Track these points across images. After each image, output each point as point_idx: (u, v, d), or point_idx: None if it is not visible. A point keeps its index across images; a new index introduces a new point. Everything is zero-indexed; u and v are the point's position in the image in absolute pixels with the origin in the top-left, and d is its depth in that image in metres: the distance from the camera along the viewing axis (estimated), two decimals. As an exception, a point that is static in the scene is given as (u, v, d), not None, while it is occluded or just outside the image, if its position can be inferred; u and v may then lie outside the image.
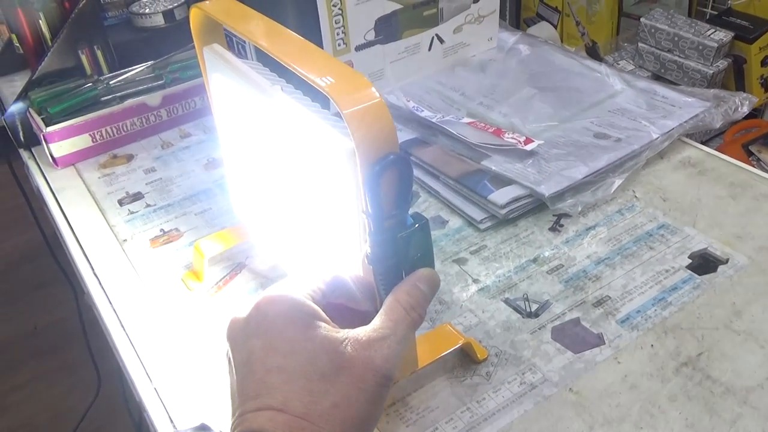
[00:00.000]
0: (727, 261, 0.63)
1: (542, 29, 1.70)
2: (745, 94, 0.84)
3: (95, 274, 0.69)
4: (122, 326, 0.63)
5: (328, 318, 0.41)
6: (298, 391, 0.38)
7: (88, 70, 0.93)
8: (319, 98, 0.45)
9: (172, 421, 0.54)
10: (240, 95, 0.53)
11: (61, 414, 1.61)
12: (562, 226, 0.69)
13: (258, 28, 0.48)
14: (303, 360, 0.38)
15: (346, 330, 0.41)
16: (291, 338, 0.39)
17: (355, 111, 0.38)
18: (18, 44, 1.00)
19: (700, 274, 0.62)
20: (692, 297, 0.60)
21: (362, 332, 0.41)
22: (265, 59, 0.50)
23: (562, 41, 1.72)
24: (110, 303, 0.65)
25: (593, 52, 1.62)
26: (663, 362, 0.54)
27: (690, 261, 0.64)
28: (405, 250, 0.43)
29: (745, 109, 0.82)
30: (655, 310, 0.59)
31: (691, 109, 0.81)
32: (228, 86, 0.55)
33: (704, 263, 0.63)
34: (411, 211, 0.43)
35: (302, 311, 0.41)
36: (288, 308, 0.41)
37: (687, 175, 0.75)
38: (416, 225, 0.43)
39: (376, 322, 0.42)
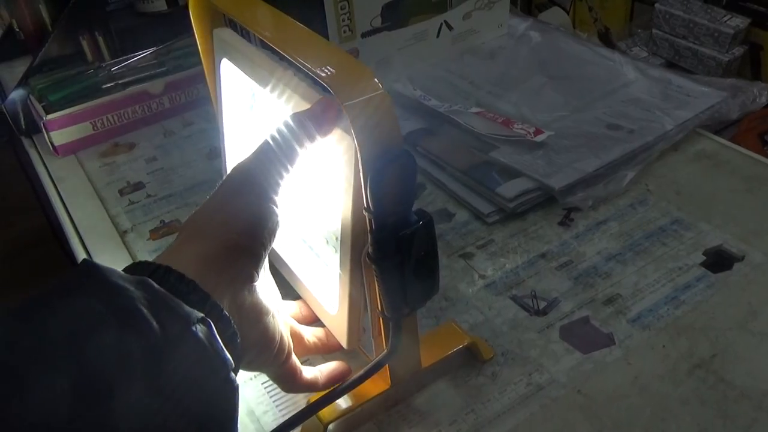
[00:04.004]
0: (743, 258, 0.61)
1: (554, 15, 1.67)
2: (763, 84, 0.81)
3: (94, 266, 0.68)
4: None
5: None
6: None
7: (90, 57, 0.91)
8: None
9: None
10: (250, 82, 0.51)
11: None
12: (572, 220, 0.68)
13: (258, 15, 0.46)
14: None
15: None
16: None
17: (356, 103, 0.36)
18: (18, 29, 0.98)
19: (714, 272, 0.60)
20: (706, 296, 0.58)
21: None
22: (265, 46, 0.48)
23: (574, 27, 1.69)
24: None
25: (606, 39, 1.58)
26: (675, 364, 0.53)
27: (704, 258, 0.62)
28: (408, 249, 0.41)
29: (764, 100, 0.79)
30: (668, 309, 0.57)
31: (707, 99, 0.78)
32: (237, 72, 0.53)
33: (719, 260, 0.61)
34: (415, 207, 0.41)
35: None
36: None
37: (702, 167, 0.73)
38: (420, 222, 0.41)
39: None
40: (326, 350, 0.53)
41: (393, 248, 0.41)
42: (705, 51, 1.30)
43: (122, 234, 0.71)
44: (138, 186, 0.78)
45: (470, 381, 0.53)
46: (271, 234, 0.41)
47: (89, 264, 0.34)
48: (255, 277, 0.41)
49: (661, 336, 0.55)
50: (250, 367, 0.45)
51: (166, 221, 0.72)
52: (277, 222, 0.42)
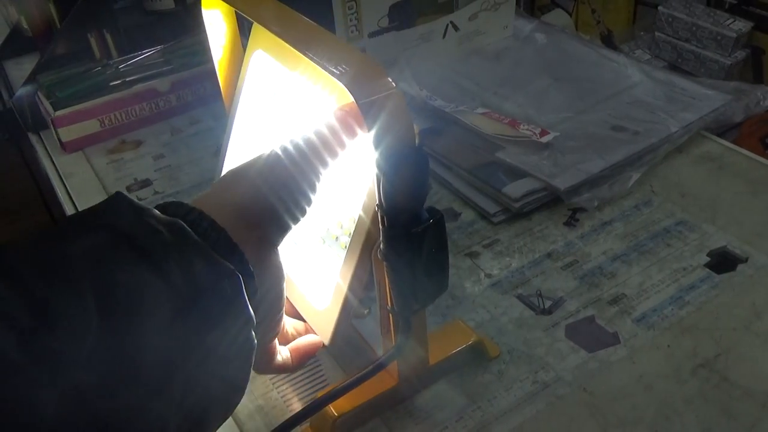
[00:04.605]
0: (746, 260, 0.62)
1: (557, 17, 1.68)
2: (766, 87, 0.82)
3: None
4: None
5: None
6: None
7: (97, 54, 0.92)
8: None
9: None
10: (287, 73, 0.51)
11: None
12: (577, 220, 0.68)
13: (269, 12, 0.47)
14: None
15: None
16: None
17: (370, 102, 0.37)
18: (27, 26, 0.99)
19: (718, 273, 0.61)
20: (710, 296, 0.58)
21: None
22: None
23: (576, 29, 1.70)
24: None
25: (608, 41, 1.59)
26: (679, 363, 0.53)
27: (708, 259, 0.62)
28: (419, 246, 0.42)
29: (767, 103, 0.80)
30: (672, 309, 0.58)
31: (711, 102, 0.79)
32: (272, 64, 0.53)
33: (723, 261, 0.62)
34: (425, 205, 0.42)
35: None
36: None
37: (706, 170, 0.73)
38: (431, 220, 0.41)
39: None
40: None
41: (404, 245, 0.41)
42: (708, 54, 1.31)
43: (130, 230, 0.72)
44: (145, 183, 0.78)
45: (477, 378, 0.53)
46: (302, 211, 0.41)
47: (123, 198, 0.34)
48: (278, 242, 0.41)
49: (666, 336, 0.55)
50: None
51: (174, 218, 0.72)
52: (308, 207, 0.41)
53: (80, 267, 0.30)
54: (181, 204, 0.37)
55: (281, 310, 0.43)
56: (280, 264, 0.42)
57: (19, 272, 0.30)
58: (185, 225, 0.34)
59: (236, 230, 0.37)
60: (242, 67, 0.56)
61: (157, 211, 0.35)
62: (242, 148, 0.60)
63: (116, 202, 0.35)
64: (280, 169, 0.40)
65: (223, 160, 0.61)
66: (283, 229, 0.41)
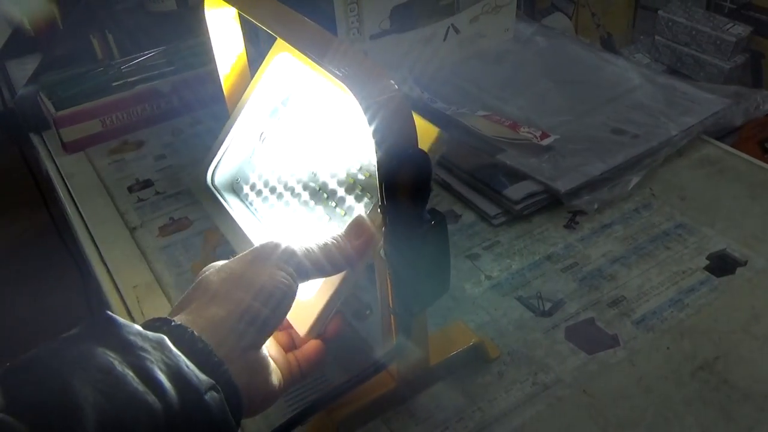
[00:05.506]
0: (745, 263, 0.62)
1: (556, 20, 1.68)
2: (766, 92, 0.82)
3: (104, 261, 0.68)
4: (129, 313, 0.62)
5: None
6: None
7: (99, 55, 0.92)
8: None
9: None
10: (315, 77, 0.52)
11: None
12: (577, 223, 0.68)
13: (271, 13, 0.47)
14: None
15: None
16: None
17: (373, 103, 0.37)
18: (29, 27, 0.99)
19: (717, 276, 0.61)
20: (710, 299, 0.59)
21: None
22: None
23: (576, 32, 1.70)
24: (117, 290, 0.65)
25: (608, 45, 1.59)
26: (679, 365, 0.53)
27: (708, 262, 0.62)
28: (421, 247, 0.42)
29: (767, 107, 0.80)
30: (672, 311, 0.58)
31: (711, 106, 0.79)
32: (298, 66, 0.53)
33: (722, 265, 0.62)
34: (427, 207, 0.42)
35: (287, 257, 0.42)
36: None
37: (705, 173, 0.74)
38: (433, 221, 0.42)
39: None
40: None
41: (406, 246, 0.41)
42: (707, 58, 1.31)
43: (131, 230, 0.72)
44: (147, 183, 0.79)
45: (477, 379, 0.54)
46: (284, 312, 0.42)
47: (109, 318, 0.35)
48: (260, 345, 0.41)
49: (665, 338, 0.56)
50: (251, 414, 0.44)
51: (175, 218, 0.73)
52: (290, 304, 0.42)
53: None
54: (167, 320, 0.37)
55: (275, 393, 0.43)
56: (264, 356, 0.42)
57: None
58: (170, 342, 0.35)
59: (220, 342, 0.37)
60: (261, 68, 0.56)
61: (143, 330, 0.35)
62: (252, 148, 0.60)
63: (104, 323, 0.35)
64: (260, 265, 0.41)
65: (220, 157, 0.61)
66: (265, 329, 0.41)
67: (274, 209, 0.56)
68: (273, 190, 0.56)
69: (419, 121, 0.44)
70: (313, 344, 0.48)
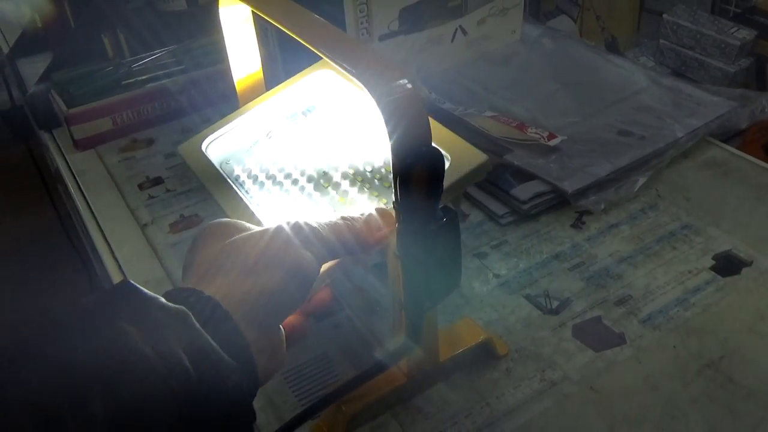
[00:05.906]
0: (751, 263, 0.63)
1: (561, 23, 1.69)
2: (771, 95, 0.83)
3: (115, 257, 0.69)
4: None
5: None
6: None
7: (110, 53, 0.93)
8: None
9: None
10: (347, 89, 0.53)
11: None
12: (584, 223, 0.69)
13: (284, 11, 0.47)
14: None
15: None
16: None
17: (389, 101, 0.38)
18: (41, 25, 1.00)
19: (723, 276, 0.62)
20: (715, 299, 0.59)
21: None
22: (289, 43, 0.49)
23: (581, 35, 1.70)
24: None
25: (613, 48, 1.60)
26: (685, 364, 0.54)
27: (713, 262, 0.63)
28: (433, 243, 0.43)
29: (772, 110, 0.81)
30: (678, 310, 0.58)
31: (716, 109, 0.80)
32: (335, 81, 0.54)
33: (728, 265, 0.63)
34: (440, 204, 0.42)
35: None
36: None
37: (711, 175, 0.74)
38: (445, 219, 0.42)
39: None
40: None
41: (419, 242, 0.42)
42: (712, 62, 1.32)
43: (142, 227, 0.73)
44: (157, 181, 0.79)
45: (485, 376, 0.54)
46: (306, 293, 0.42)
47: (129, 286, 0.34)
48: (281, 323, 0.41)
49: (672, 336, 0.56)
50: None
51: (186, 215, 0.74)
52: (311, 285, 0.42)
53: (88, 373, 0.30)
54: (194, 290, 0.37)
55: (284, 362, 0.43)
56: (281, 332, 0.42)
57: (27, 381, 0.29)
58: (192, 316, 0.34)
59: (243, 317, 0.37)
60: (297, 75, 0.57)
61: (165, 302, 0.34)
62: (255, 139, 0.60)
63: (124, 292, 0.34)
64: (287, 247, 0.41)
65: (220, 135, 0.60)
66: (287, 309, 0.41)
67: (272, 195, 0.56)
68: (272, 177, 0.56)
69: (466, 146, 0.46)
70: (293, 317, 0.47)
